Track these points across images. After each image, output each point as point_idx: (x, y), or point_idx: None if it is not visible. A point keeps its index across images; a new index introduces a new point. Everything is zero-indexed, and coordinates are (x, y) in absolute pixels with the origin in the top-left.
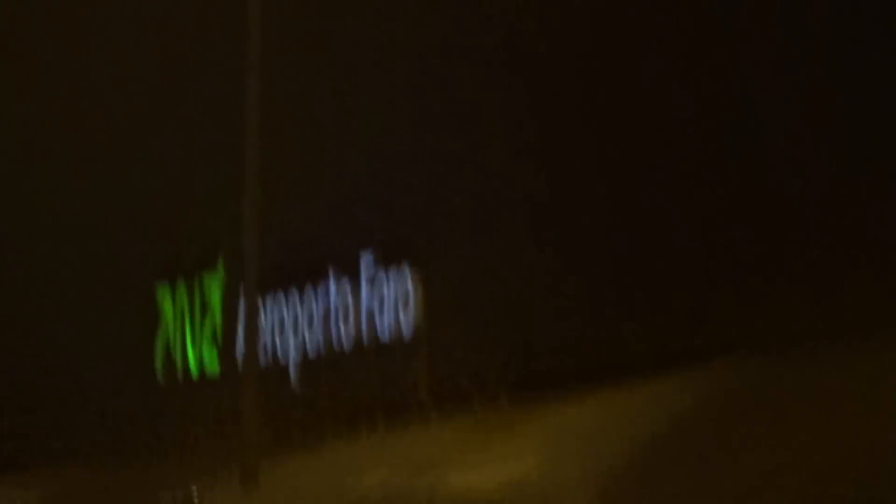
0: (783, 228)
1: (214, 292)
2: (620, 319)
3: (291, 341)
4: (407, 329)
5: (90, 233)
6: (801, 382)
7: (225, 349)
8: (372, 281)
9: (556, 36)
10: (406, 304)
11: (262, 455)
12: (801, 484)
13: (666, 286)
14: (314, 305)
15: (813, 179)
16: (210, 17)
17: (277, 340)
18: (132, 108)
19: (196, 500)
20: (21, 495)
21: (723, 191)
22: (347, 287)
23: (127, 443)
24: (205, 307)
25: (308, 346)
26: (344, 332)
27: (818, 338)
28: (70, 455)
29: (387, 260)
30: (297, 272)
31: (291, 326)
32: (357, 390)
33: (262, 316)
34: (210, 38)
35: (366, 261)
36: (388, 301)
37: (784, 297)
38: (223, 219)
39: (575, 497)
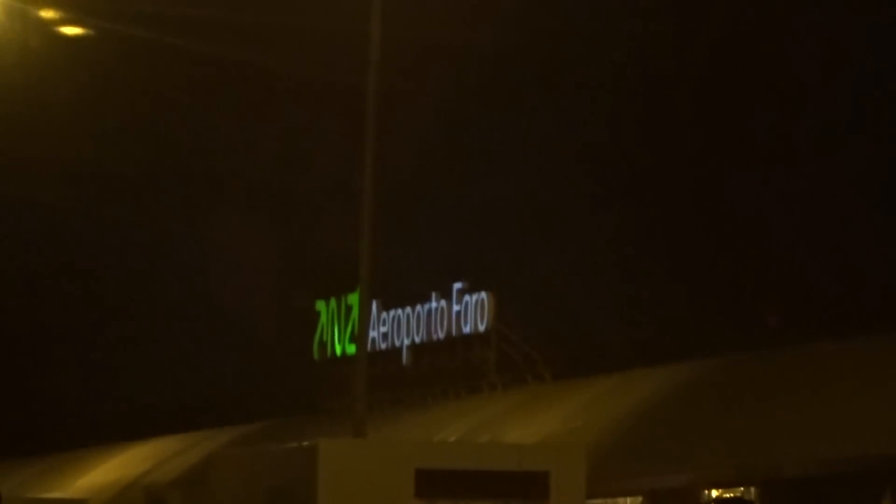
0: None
1: (354, 304)
2: (627, 327)
3: (405, 336)
4: (482, 329)
5: (273, 269)
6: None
7: (359, 341)
8: (460, 298)
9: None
10: (482, 313)
11: (370, 413)
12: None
13: (661, 304)
14: (421, 313)
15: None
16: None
17: (395, 334)
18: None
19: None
20: (215, 441)
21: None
22: (443, 302)
23: (294, 404)
24: (348, 314)
25: (415, 339)
26: (439, 331)
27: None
28: (247, 414)
29: (471, 286)
30: (412, 292)
31: (405, 326)
32: (447, 369)
33: (387, 319)
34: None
35: (456, 286)
36: (470, 311)
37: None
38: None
39: (594, 442)
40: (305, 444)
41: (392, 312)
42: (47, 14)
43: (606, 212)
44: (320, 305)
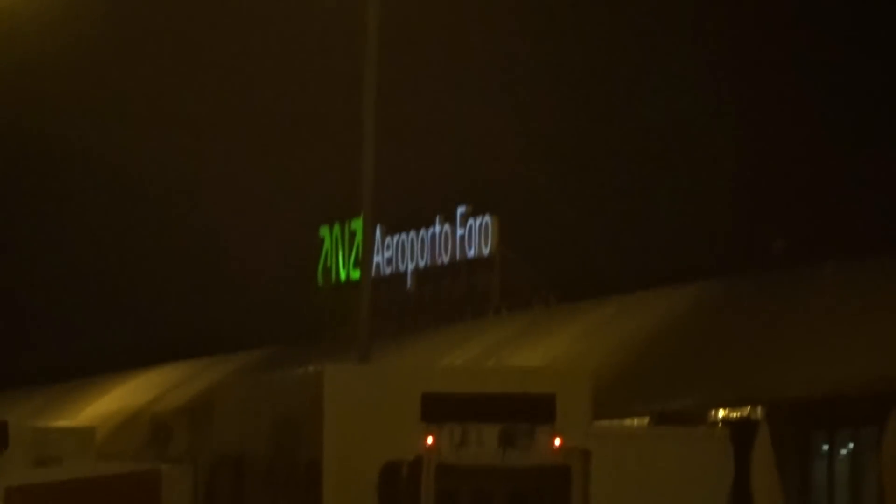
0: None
1: (357, 230)
2: (632, 250)
3: (409, 261)
4: (486, 253)
5: (276, 196)
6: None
7: (363, 266)
8: (464, 222)
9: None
10: (486, 238)
11: (375, 338)
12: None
13: (666, 227)
14: (425, 238)
15: None
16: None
17: (400, 259)
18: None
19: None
20: (220, 369)
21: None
22: (447, 226)
23: (298, 331)
24: (352, 239)
25: (419, 263)
26: (444, 255)
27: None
28: (251, 341)
29: (475, 209)
30: (416, 216)
31: (409, 251)
32: (451, 294)
33: (391, 244)
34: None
35: (460, 209)
36: (475, 235)
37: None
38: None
39: (602, 365)
40: (311, 369)
41: (396, 237)
42: None
43: (611, 135)
44: (324, 231)
